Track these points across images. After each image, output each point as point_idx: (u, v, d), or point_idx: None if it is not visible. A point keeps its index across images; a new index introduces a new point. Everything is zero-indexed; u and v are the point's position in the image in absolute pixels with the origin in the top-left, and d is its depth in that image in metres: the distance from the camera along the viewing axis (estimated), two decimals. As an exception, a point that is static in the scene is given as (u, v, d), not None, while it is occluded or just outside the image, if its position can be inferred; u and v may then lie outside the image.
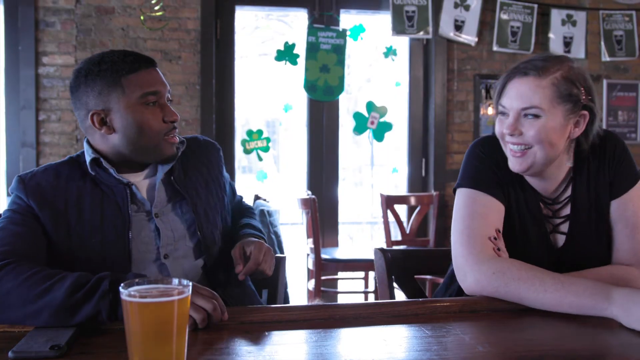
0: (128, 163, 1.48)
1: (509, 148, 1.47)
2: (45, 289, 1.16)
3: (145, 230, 1.46)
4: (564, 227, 1.55)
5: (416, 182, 4.40)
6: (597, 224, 1.54)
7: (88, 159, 1.44)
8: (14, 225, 1.34)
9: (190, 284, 0.99)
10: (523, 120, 1.43)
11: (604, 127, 4.29)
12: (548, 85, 1.41)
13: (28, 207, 1.38)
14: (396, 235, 4.07)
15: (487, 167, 1.52)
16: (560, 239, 1.54)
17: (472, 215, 1.46)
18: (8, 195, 3.86)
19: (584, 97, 1.43)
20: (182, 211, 1.52)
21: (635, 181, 1.53)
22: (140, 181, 1.50)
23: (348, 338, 1.17)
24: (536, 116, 1.41)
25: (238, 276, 1.46)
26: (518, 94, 1.43)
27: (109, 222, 1.41)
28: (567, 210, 1.55)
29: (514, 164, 1.46)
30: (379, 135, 4.28)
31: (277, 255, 1.70)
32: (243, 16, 4.44)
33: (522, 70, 1.44)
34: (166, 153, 1.47)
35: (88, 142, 1.49)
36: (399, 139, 4.52)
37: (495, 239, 1.42)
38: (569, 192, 1.55)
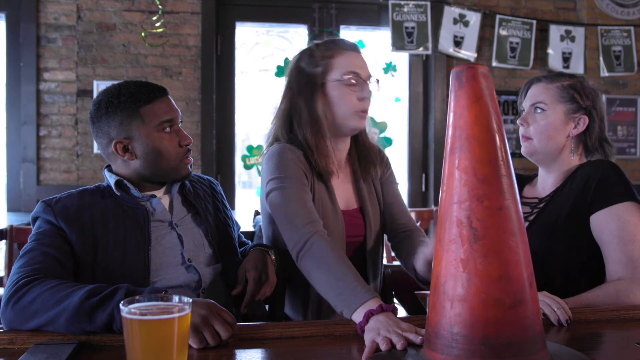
0: (147, 183, 1.59)
1: (521, 134, 1.77)
2: (65, 295, 1.22)
3: (169, 237, 1.55)
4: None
5: (416, 197, 4.40)
6: (562, 227, 1.65)
7: (112, 181, 1.53)
8: (44, 247, 1.38)
9: (190, 300, 0.99)
10: (532, 114, 1.75)
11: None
12: (554, 87, 1.74)
13: (58, 228, 1.43)
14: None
15: None
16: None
17: None
18: (9, 211, 3.86)
19: (585, 102, 1.71)
20: (197, 223, 1.64)
21: (624, 199, 1.59)
22: (160, 197, 1.60)
23: (348, 355, 1.17)
24: (542, 110, 1.73)
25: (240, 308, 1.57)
26: (531, 94, 1.78)
27: (131, 238, 1.48)
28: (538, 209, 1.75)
29: (523, 148, 1.78)
30: (379, 150, 4.26)
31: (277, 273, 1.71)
32: (243, 32, 4.46)
33: (539, 77, 1.80)
34: (182, 173, 1.59)
35: (108, 170, 1.59)
36: (399, 155, 4.52)
37: None
38: (551, 194, 1.74)
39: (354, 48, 1.75)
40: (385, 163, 1.86)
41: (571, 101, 1.71)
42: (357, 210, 1.75)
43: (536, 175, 1.87)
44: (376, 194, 1.79)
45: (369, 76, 1.72)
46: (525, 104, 1.79)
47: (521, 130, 1.77)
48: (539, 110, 1.73)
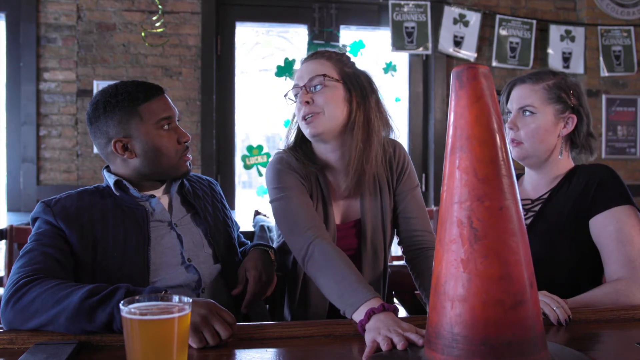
0: (146, 182, 1.59)
1: (510, 138, 1.75)
2: (65, 295, 1.22)
3: (169, 237, 1.55)
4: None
5: (416, 197, 4.38)
6: (563, 231, 1.65)
7: (111, 181, 1.54)
8: (44, 247, 1.38)
9: (190, 300, 0.99)
10: (522, 118, 1.73)
11: (604, 142, 4.30)
12: (540, 89, 1.72)
13: (57, 229, 1.43)
14: (397, 250, 4.05)
15: None
16: None
17: None
18: (9, 210, 3.86)
19: (572, 101, 1.71)
20: (196, 223, 1.64)
21: (621, 203, 1.61)
22: (159, 196, 1.61)
23: (348, 355, 1.16)
24: (532, 113, 1.71)
25: (241, 308, 1.57)
26: (517, 96, 1.75)
27: (131, 238, 1.48)
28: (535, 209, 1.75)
29: (513, 153, 1.75)
30: (379, 150, 4.25)
31: (277, 273, 1.71)
32: (243, 32, 4.46)
33: (522, 78, 1.77)
34: (182, 170, 1.59)
35: (107, 170, 1.60)
36: (399, 154, 4.50)
37: None
38: (545, 196, 1.74)
39: None
40: (398, 170, 1.77)
41: (559, 101, 1.71)
42: (352, 223, 1.70)
43: (521, 174, 1.86)
44: (381, 205, 1.70)
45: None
46: (511, 106, 1.77)
47: (510, 135, 1.75)
48: (527, 113, 1.72)
